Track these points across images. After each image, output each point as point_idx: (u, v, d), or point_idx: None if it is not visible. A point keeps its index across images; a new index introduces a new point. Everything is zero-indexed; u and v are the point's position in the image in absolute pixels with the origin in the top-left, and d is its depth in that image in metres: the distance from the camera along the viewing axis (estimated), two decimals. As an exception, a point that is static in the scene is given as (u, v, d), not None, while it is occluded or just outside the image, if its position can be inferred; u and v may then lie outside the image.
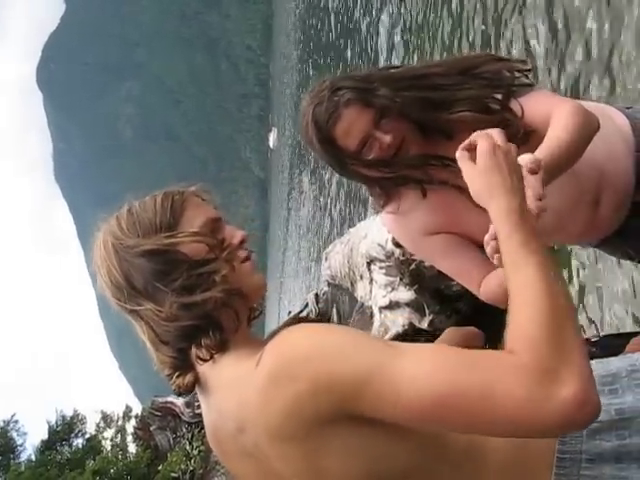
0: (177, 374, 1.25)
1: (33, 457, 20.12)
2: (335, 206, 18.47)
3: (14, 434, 21.16)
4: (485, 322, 4.35)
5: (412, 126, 1.77)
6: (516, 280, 1.05)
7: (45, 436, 20.51)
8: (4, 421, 21.25)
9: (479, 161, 1.20)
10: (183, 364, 1.24)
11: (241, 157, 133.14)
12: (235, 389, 1.17)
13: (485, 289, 1.84)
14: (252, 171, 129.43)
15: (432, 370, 1.00)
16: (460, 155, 1.27)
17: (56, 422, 20.85)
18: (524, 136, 1.72)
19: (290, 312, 16.92)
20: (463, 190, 1.47)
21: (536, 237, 1.09)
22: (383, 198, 1.94)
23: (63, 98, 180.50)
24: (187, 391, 1.25)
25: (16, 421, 21.50)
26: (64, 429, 20.76)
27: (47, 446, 20.22)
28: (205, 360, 1.21)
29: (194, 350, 1.22)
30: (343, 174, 1.92)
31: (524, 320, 1.00)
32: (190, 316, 1.19)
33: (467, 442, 1.17)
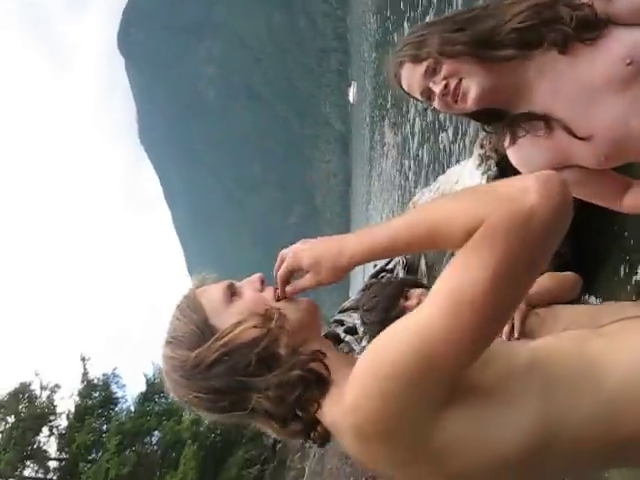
0: (311, 438, 1.28)
1: (132, 408, 21.01)
2: (418, 157, 18.21)
3: (114, 387, 22.09)
4: (585, 265, 4.22)
5: (469, 63, 1.73)
6: None
7: (143, 388, 21.36)
8: (105, 375, 22.18)
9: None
10: (311, 427, 1.25)
11: (322, 112, 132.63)
12: (337, 433, 1.20)
13: (634, 202, 1.86)
14: (333, 126, 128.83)
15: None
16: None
17: (153, 375, 21.65)
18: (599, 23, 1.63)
19: (375, 265, 16.88)
20: (553, 124, 1.66)
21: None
22: (498, 134, 1.94)
23: (144, 61, 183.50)
24: (327, 441, 1.27)
25: (116, 374, 22.41)
26: (161, 381, 21.43)
27: (146, 398, 21.02)
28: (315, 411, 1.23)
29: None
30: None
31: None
32: (290, 388, 1.22)
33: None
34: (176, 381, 1.30)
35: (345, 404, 1.12)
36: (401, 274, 11.55)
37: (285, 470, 14.25)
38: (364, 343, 11.73)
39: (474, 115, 1.85)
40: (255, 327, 1.25)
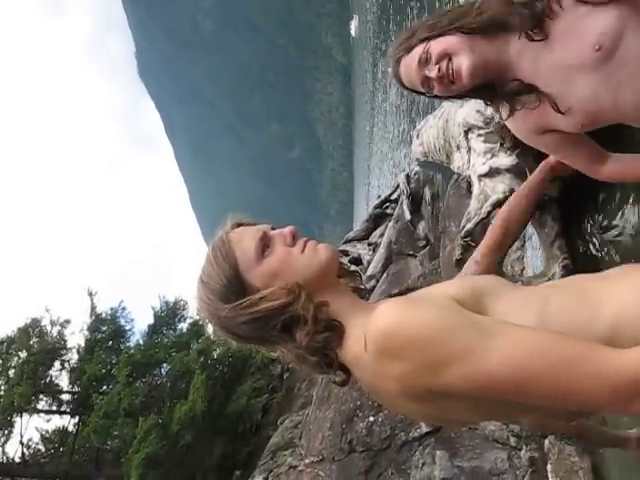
0: (329, 373, 1.42)
1: (141, 341, 21.30)
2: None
3: (122, 320, 22.36)
4: (588, 186, 4.22)
5: (458, 40, 1.85)
6: None
7: (151, 321, 21.63)
8: (112, 309, 22.42)
9: None
10: (328, 363, 1.38)
11: (322, 43, 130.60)
12: (357, 369, 1.35)
13: (609, 172, 2.11)
14: (334, 57, 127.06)
15: (518, 359, 1.14)
16: None
17: (160, 308, 21.89)
18: None
19: (380, 196, 16.89)
20: (537, 91, 1.86)
21: None
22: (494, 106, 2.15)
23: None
24: (345, 382, 1.44)
25: (124, 308, 22.64)
26: (168, 314, 21.76)
27: (154, 330, 21.32)
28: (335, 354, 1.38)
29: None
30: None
31: None
32: (313, 342, 1.35)
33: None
34: (207, 316, 1.47)
35: (376, 327, 1.24)
36: (405, 204, 11.57)
37: (293, 398, 14.54)
38: (369, 272, 11.82)
39: (474, 93, 1.99)
40: (282, 304, 1.36)
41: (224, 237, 1.47)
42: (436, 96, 1.98)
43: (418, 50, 1.90)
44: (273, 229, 1.48)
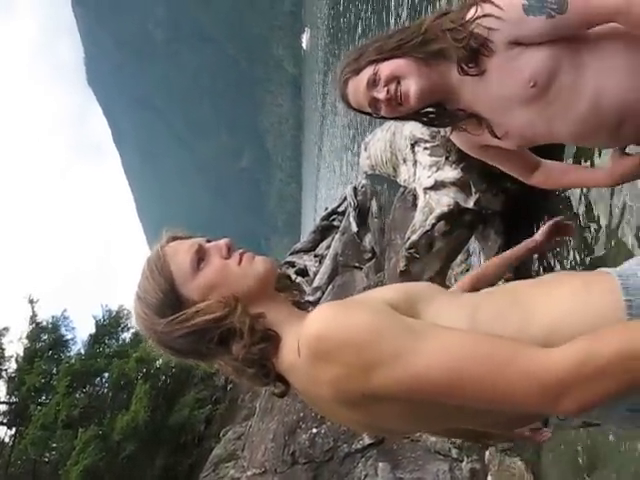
0: (268, 384, 1.42)
1: (82, 351, 20.91)
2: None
3: (63, 329, 21.89)
4: (531, 201, 4.30)
5: (407, 64, 1.90)
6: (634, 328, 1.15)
7: (93, 331, 21.25)
8: (54, 317, 21.95)
9: None
10: (265, 374, 1.38)
11: (274, 55, 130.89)
12: (293, 377, 1.35)
13: (540, 179, 2.22)
14: (285, 69, 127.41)
15: (447, 361, 1.15)
16: None
17: (103, 317, 21.52)
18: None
19: (327, 208, 16.93)
20: (477, 117, 1.94)
21: None
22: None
23: (92, 2, 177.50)
24: (284, 393, 1.42)
25: (65, 317, 22.18)
26: (111, 323, 21.42)
27: (95, 340, 20.93)
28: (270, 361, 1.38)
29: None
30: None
31: (605, 348, 1.09)
32: (250, 354, 1.34)
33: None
34: (144, 331, 1.45)
35: (307, 332, 1.24)
36: (352, 216, 11.63)
37: (236, 409, 14.44)
38: (315, 284, 11.83)
39: (419, 116, 2.04)
40: (219, 317, 1.35)
41: (159, 251, 1.45)
42: (382, 117, 2.01)
43: (367, 72, 1.93)
44: (209, 242, 1.48)
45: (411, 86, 1.89)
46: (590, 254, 3.72)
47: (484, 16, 1.78)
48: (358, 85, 1.96)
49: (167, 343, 1.43)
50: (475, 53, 1.81)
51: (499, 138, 1.98)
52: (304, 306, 1.45)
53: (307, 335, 1.24)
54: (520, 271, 4.56)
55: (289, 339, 1.33)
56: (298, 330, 1.28)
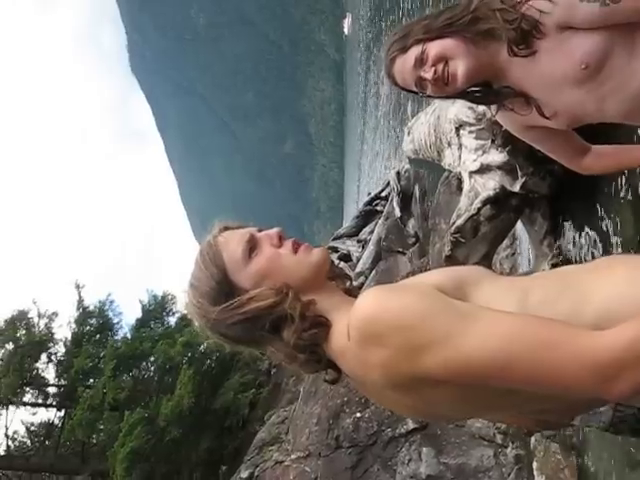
0: (319, 371, 1.45)
1: (129, 335, 21.23)
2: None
3: (110, 314, 22.24)
4: (579, 184, 4.22)
5: (455, 44, 1.90)
6: None
7: (139, 315, 21.55)
8: (100, 302, 22.31)
9: None
10: (317, 360, 1.41)
11: (316, 40, 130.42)
12: (343, 362, 1.36)
13: (590, 163, 2.19)
14: (327, 54, 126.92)
15: (496, 343, 1.14)
16: None
17: (148, 302, 21.82)
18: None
19: (370, 193, 16.88)
20: (525, 96, 1.93)
21: None
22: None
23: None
24: (336, 379, 1.46)
25: (112, 301, 22.52)
26: (156, 308, 21.71)
27: (142, 324, 21.21)
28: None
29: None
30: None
31: None
32: (301, 340, 1.37)
33: None
34: (198, 320, 1.49)
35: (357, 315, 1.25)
36: (395, 201, 11.57)
37: (280, 393, 14.54)
38: (358, 269, 11.82)
39: (465, 95, 2.05)
40: (271, 304, 1.39)
41: (211, 241, 1.50)
42: (428, 96, 2.02)
43: (414, 51, 1.93)
44: (260, 231, 1.51)
45: (459, 67, 1.88)
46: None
47: None
48: (405, 64, 1.96)
49: (221, 331, 1.46)
50: (526, 35, 1.80)
51: (548, 118, 1.96)
52: (354, 293, 1.46)
53: (356, 318, 1.25)
54: (568, 259, 4.51)
55: (339, 325, 1.34)
56: (348, 315, 1.28)
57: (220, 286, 1.43)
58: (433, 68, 1.90)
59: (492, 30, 1.85)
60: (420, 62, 1.92)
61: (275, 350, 1.43)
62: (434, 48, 1.90)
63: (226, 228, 1.53)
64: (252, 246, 1.45)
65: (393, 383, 1.27)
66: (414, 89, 2.01)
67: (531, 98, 1.94)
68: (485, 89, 2.01)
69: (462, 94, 2.03)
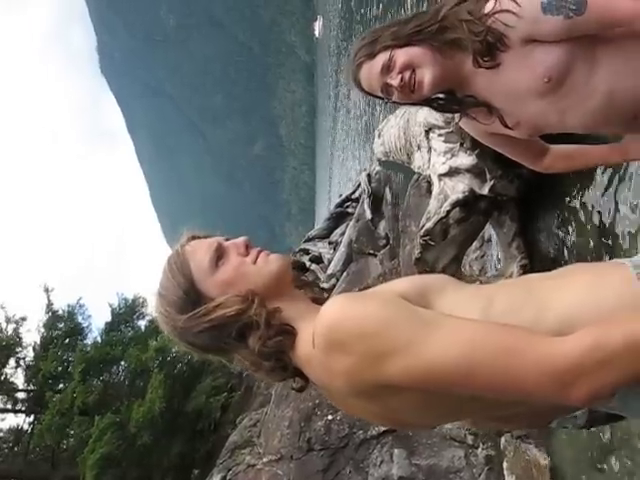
0: (286, 379, 1.47)
1: (99, 339, 21.03)
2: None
3: (79, 317, 22.01)
4: (546, 187, 4.27)
5: (423, 52, 1.92)
6: None
7: (109, 319, 21.37)
8: (69, 305, 22.07)
9: None
10: (283, 367, 1.42)
11: (286, 41, 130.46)
12: (309, 369, 1.38)
13: (549, 164, 2.27)
14: (298, 55, 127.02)
15: (458, 350, 1.16)
16: None
17: (118, 305, 21.64)
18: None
19: (341, 195, 16.92)
20: (488, 106, 1.96)
21: None
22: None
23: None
24: (303, 388, 1.48)
25: (81, 305, 22.30)
26: (126, 311, 21.55)
27: (111, 328, 21.04)
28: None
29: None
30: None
31: (615, 335, 1.11)
32: (266, 347, 1.38)
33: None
34: (166, 329, 1.50)
35: (322, 322, 1.27)
36: (366, 203, 11.61)
37: (252, 396, 14.50)
38: (330, 271, 11.83)
39: (428, 102, 2.08)
40: (236, 311, 1.40)
41: (179, 250, 1.51)
42: (394, 102, 2.04)
43: (382, 57, 1.94)
44: (227, 240, 1.52)
45: (425, 75, 1.91)
46: (608, 241, 3.69)
47: (502, 11, 1.79)
48: (372, 69, 1.98)
49: (188, 339, 1.47)
50: (491, 47, 1.83)
51: (510, 128, 2.00)
52: (322, 301, 1.47)
53: (321, 326, 1.26)
54: (536, 260, 4.56)
55: (305, 333, 1.36)
56: (314, 323, 1.30)
57: (187, 295, 1.44)
58: (400, 75, 1.92)
59: (458, 40, 1.88)
60: (387, 69, 1.93)
61: (241, 358, 1.44)
62: (402, 56, 1.92)
63: (194, 237, 1.54)
64: (219, 255, 1.47)
65: (357, 390, 1.28)
66: (380, 95, 2.03)
67: (494, 108, 1.98)
68: (449, 97, 2.04)
69: (427, 101, 2.06)
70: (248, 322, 1.39)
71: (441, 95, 2.04)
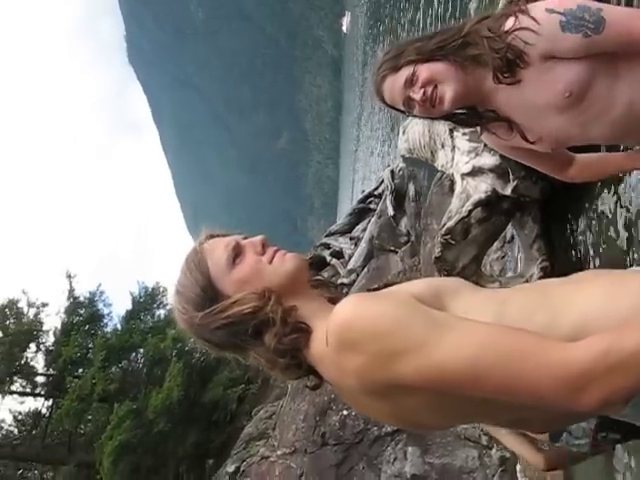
0: (300, 377, 1.48)
1: (119, 326, 21.21)
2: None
3: (100, 304, 22.24)
4: (570, 189, 4.24)
5: (446, 68, 1.95)
6: None
7: (129, 307, 21.55)
8: (90, 292, 22.29)
9: None
10: (297, 365, 1.42)
11: (314, 35, 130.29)
12: (322, 368, 1.39)
13: (574, 174, 2.27)
14: (325, 50, 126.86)
15: (469, 352, 1.17)
16: None
17: (139, 293, 21.84)
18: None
19: (364, 190, 16.88)
20: (508, 121, 1.99)
21: None
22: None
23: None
24: (317, 386, 1.48)
25: (102, 292, 22.51)
26: (147, 300, 21.73)
27: (131, 316, 21.22)
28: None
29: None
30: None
31: (628, 341, 1.10)
32: (281, 344, 1.39)
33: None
34: (183, 325, 1.51)
35: (335, 321, 1.27)
36: (389, 200, 11.57)
37: (268, 389, 14.55)
38: (350, 266, 11.82)
39: (450, 117, 2.10)
40: (253, 308, 1.41)
41: (197, 248, 1.53)
42: (414, 115, 2.07)
43: (405, 71, 1.98)
44: (245, 239, 1.54)
45: (447, 91, 1.94)
46: (632, 247, 3.66)
47: (521, 29, 1.82)
48: (395, 83, 2.01)
49: (205, 336, 1.48)
50: (511, 63, 1.86)
51: (532, 143, 2.03)
52: (338, 301, 1.47)
53: (334, 324, 1.27)
54: (557, 263, 4.53)
55: (319, 331, 1.37)
56: (327, 322, 1.31)
57: (204, 292, 1.46)
58: (422, 90, 1.95)
59: (479, 56, 1.90)
60: (410, 83, 1.97)
61: (257, 356, 1.45)
62: (425, 71, 1.95)
63: (212, 236, 1.56)
64: (236, 253, 1.48)
65: (368, 389, 1.29)
66: (401, 108, 2.05)
67: (515, 123, 2.00)
68: (470, 112, 2.07)
69: (447, 116, 2.08)
70: (264, 319, 1.40)
71: (462, 110, 2.07)
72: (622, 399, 1.12)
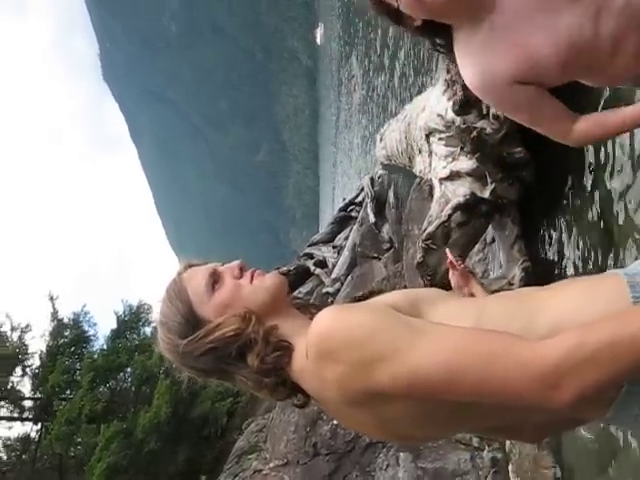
0: (287, 396, 1.49)
1: (105, 346, 21.09)
2: (388, 88, 18.09)
3: (85, 325, 22.09)
4: (546, 190, 4.28)
5: None
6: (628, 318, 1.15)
7: (114, 326, 21.41)
8: (75, 313, 22.14)
9: None
10: (282, 383, 1.44)
11: (288, 47, 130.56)
12: (304, 382, 1.40)
13: (585, 129, 1.91)
14: (300, 61, 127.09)
15: (443, 355, 1.19)
16: None
17: (123, 312, 21.75)
18: None
19: (344, 198, 16.91)
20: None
21: None
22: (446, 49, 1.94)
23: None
24: (305, 403, 1.51)
25: (86, 312, 22.37)
26: (132, 318, 21.64)
27: (117, 335, 21.12)
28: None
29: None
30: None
31: (599, 333, 1.12)
32: (264, 364, 1.41)
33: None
34: (169, 355, 1.54)
35: (313, 332, 1.30)
36: (370, 207, 11.61)
37: (258, 401, 14.49)
38: (334, 275, 11.83)
39: (427, 32, 1.86)
40: (235, 330, 1.43)
41: (176, 278, 1.56)
42: (397, 14, 1.78)
43: None
44: (223, 265, 1.57)
45: None
46: (609, 245, 3.69)
47: None
48: None
49: (190, 363, 1.51)
50: None
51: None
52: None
53: (312, 336, 1.30)
54: (538, 263, 4.57)
55: (301, 347, 1.39)
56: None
57: (186, 320, 1.48)
58: None
59: None
60: None
61: (243, 379, 1.47)
62: None
63: (190, 265, 1.59)
64: (215, 279, 1.51)
65: (349, 400, 1.30)
66: (391, 1, 1.75)
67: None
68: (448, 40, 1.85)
69: (425, 31, 1.86)
70: (247, 340, 1.42)
71: (440, 41, 1.89)
72: (597, 393, 1.13)
